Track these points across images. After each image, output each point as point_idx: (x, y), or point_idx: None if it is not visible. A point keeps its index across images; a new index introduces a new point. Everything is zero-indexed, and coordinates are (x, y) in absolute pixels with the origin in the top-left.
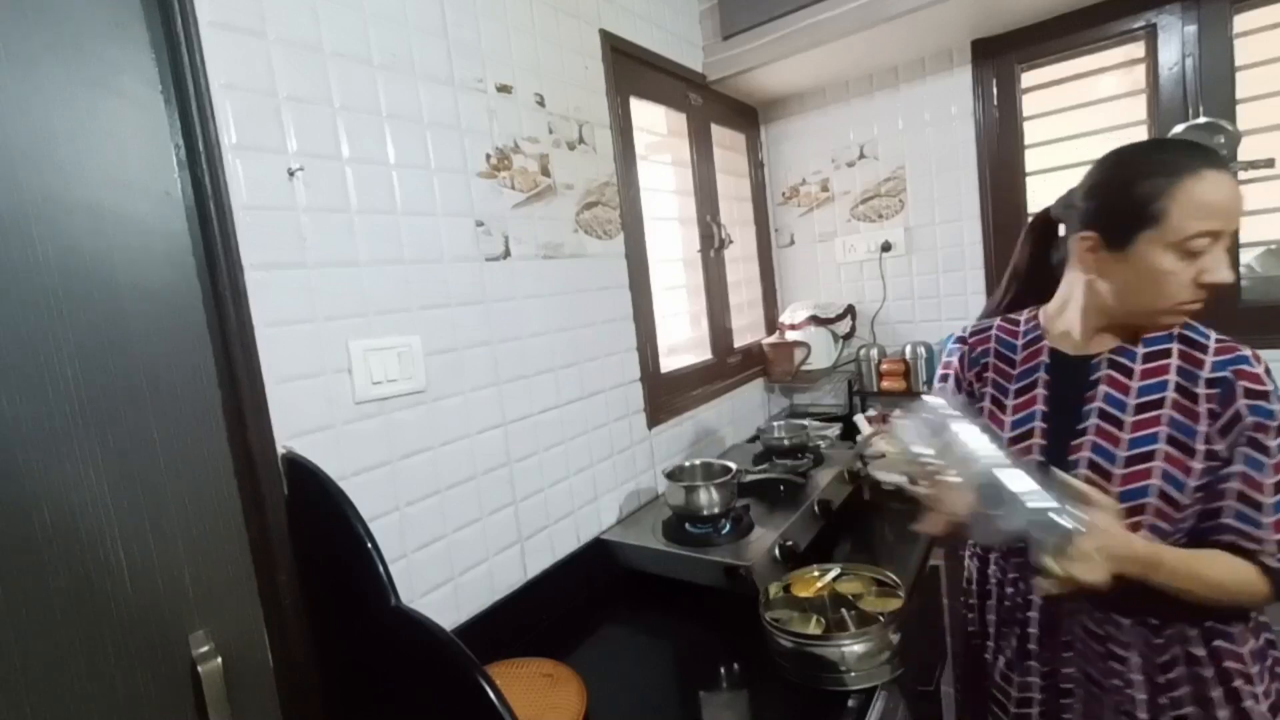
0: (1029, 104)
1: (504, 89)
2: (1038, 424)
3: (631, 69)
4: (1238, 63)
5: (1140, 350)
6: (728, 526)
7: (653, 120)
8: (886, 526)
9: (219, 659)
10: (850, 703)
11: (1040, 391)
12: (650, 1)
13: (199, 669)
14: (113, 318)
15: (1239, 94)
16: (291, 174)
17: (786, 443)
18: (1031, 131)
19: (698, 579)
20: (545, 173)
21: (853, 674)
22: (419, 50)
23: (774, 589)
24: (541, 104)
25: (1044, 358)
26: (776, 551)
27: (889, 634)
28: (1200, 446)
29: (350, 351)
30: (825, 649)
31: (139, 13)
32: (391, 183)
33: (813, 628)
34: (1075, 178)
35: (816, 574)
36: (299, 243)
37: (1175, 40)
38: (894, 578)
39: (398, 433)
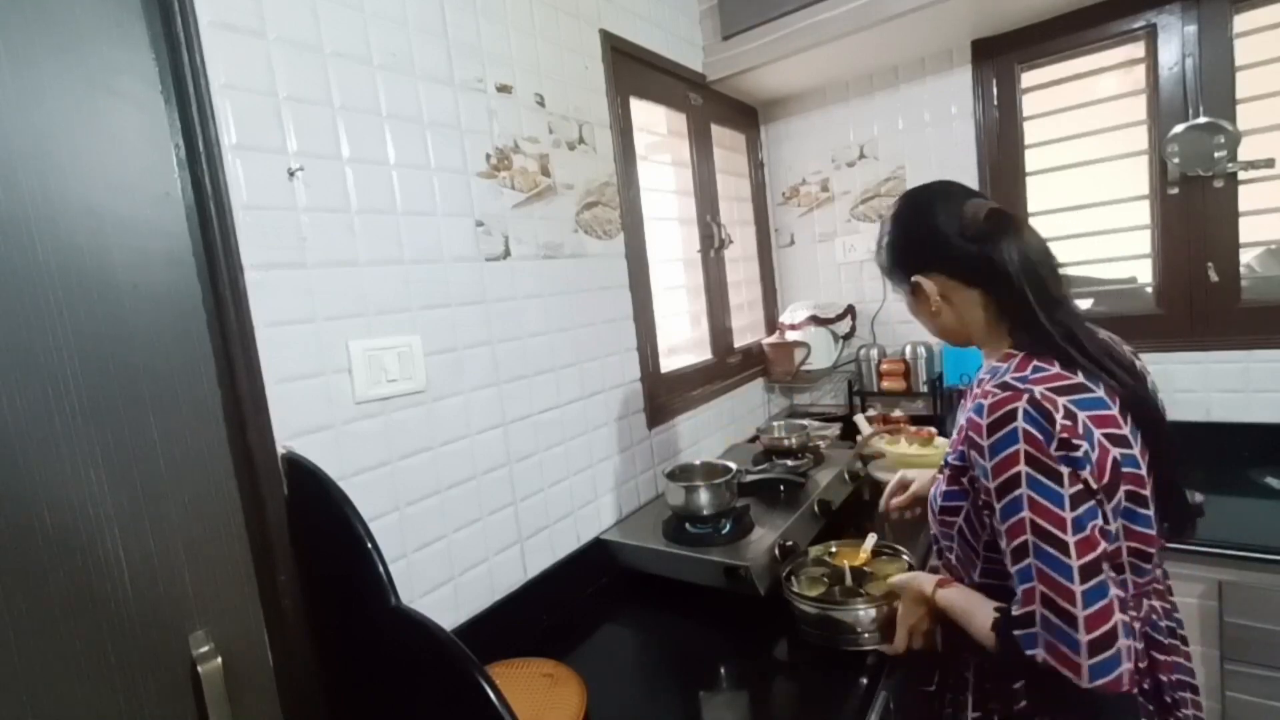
0: (1029, 104)
1: (504, 89)
2: None
3: (631, 69)
4: (1238, 63)
5: (980, 374)
6: (728, 526)
7: (653, 120)
8: (886, 526)
9: (219, 659)
10: (869, 660)
11: None
12: (650, 1)
13: (199, 669)
14: (113, 318)
15: (1239, 94)
16: (291, 174)
17: (786, 443)
18: (1031, 131)
19: (698, 579)
20: (545, 173)
21: (866, 635)
22: (419, 50)
23: (816, 550)
24: (541, 104)
25: None
26: (776, 551)
27: (860, 613)
28: (964, 478)
29: (350, 351)
30: (843, 613)
31: (139, 13)
32: (391, 183)
33: (816, 590)
34: (1075, 178)
35: (860, 546)
36: (299, 243)
37: (1175, 40)
38: (897, 547)
39: (398, 433)
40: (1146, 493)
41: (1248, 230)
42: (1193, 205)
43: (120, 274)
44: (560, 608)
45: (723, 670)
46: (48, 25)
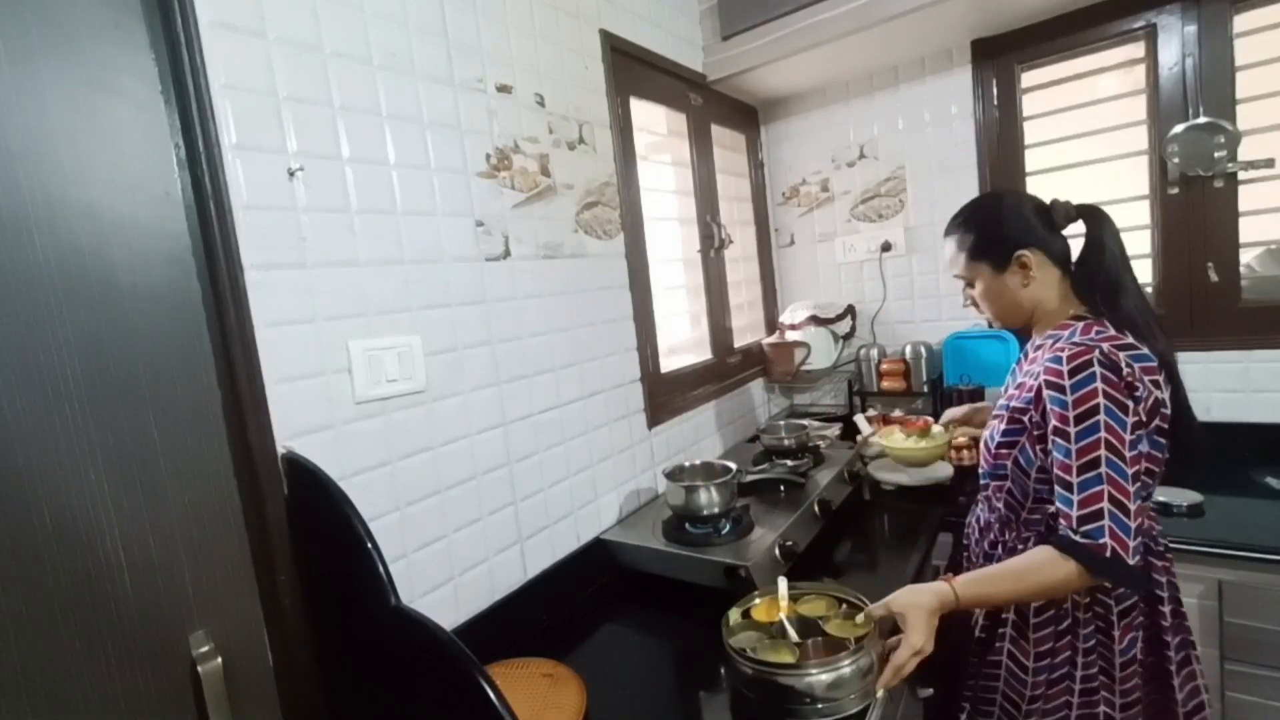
0: (1029, 104)
1: (504, 89)
2: None
3: (631, 69)
4: (1238, 63)
5: (1035, 341)
6: (728, 526)
7: (653, 120)
8: (886, 526)
9: (219, 659)
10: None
11: None
12: (650, 1)
13: (199, 669)
14: (113, 318)
15: (1239, 94)
16: (291, 174)
17: (786, 443)
18: (1031, 131)
19: (698, 579)
20: (545, 173)
21: (820, 705)
22: (419, 50)
23: (734, 615)
24: (541, 104)
25: None
26: (776, 551)
27: (860, 660)
28: (1025, 418)
29: (350, 351)
30: (792, 679)
31: (139, 13)
32: (391, 183)
33: (784, 656)
34: (1075, 177)
35: (773, 598)
36: (299, 243)
37: (1175, 40)
38: (861, 599)
39: (398, 433)
40: (1167, 427)
41: (1248, 230)
42: (1193, 205)
43: (120, 274)
44: (560, 608)
45: (722, 670)
46: (48, 26)
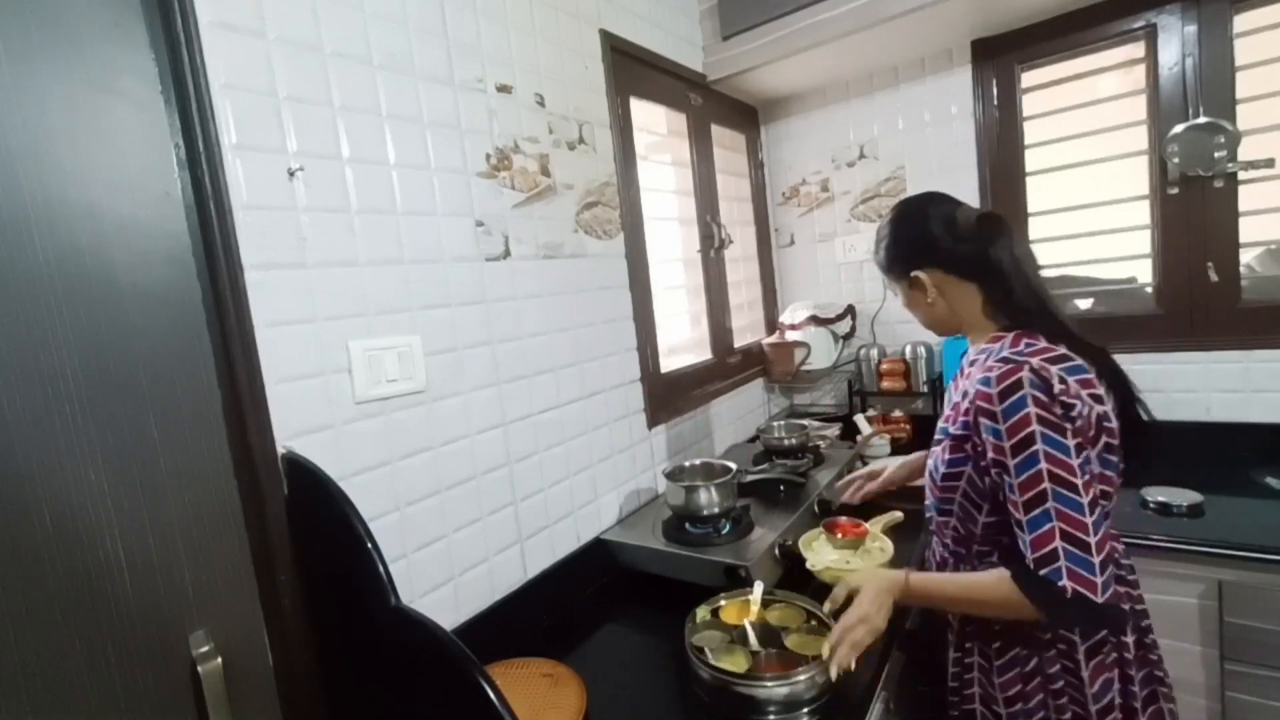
0: (1029, 104)
1: (504, 89)
2: None
3: (631, 69)
4: (1238, 63)
5: (970, 356)
6: (728, 526)
7: (653, 120)
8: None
9: (219, 659)
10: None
11: None
12: (650, 1)
13: (199, 669)
14: (113, 318)
15: (1239, 94)
16: (291, 174)
17: (786, 443)
18: (1031, 131)
19: (698, 579)
20: (545, 173)
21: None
22: (419, 50)
23: (702, 612)
24: (541, 104)
25: None
26: (776, 551)
27: (816, 679)
28: (966, 445)
29: (350, 351)
30: (753, 689)
31: (139, 13)
32: (391, 183)
33: (738, 662)
34: (1075, 178)
35: (747, 599)
36: (299, 243)
37: (1175, 40)
38: (831, 621)
39: (398, 433)
40: (1116, 442)
41: (1248, 230)
42: (1193, 205)
43: (120, 274)
44: (560, 608)
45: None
46: (47, 26)
